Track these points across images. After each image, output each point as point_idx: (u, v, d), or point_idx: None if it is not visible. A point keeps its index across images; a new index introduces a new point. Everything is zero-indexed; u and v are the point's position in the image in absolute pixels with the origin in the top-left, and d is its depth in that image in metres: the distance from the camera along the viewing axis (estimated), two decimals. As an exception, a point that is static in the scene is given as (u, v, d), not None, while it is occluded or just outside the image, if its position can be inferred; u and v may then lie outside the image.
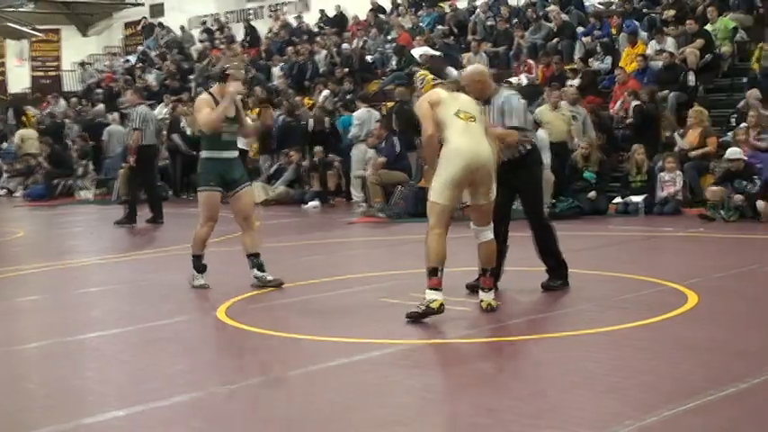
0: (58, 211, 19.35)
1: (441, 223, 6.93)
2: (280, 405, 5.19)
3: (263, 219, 15.23)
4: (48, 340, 7.09)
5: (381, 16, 25.38)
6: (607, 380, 5.34)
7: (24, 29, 32.67)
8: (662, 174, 13.89)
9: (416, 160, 15.33)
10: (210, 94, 8.73)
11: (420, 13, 24.32)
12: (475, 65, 8.33)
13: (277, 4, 30.02)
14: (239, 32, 29.32)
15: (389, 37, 23.67)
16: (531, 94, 15.27)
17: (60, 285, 9.98)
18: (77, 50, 34.44)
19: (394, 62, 21.76)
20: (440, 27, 22.83)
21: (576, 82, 17.21)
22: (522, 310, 7.52)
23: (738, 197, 12.49)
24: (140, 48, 31.31)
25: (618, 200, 14.20)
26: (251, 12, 30.93)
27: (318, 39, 25.03)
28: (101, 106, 25.23)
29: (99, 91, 28.27)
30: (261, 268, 8.69)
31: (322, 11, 27.32)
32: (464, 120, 7.13)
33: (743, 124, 13.94)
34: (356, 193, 16.79)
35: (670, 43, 16.98)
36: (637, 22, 18.25)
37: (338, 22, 26.40)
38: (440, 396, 5.44)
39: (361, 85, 21.73)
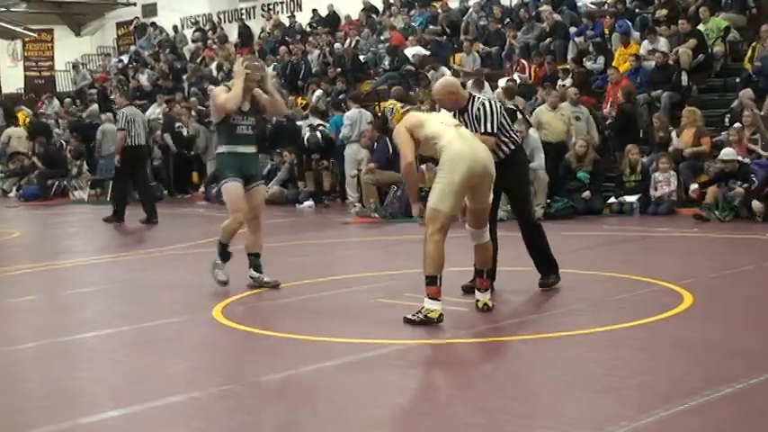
0: (52, 212, 19.32)
1: (441, 230, 6.86)
2: (275, 405, 5.19)
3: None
4: (43, 340, 7.09)
5: (374, 16, 25.37)
6: (602, 380, 5.35)
7: (17, 29, 32.59)
8: (656, 174, 13.91)
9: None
10: (227, 86, 8.68)
11: (412, 12, 24.31)
12: (444, 77, 8.34)
13: (270, 4, 29.99)
14: (232, 32, 29.29)
15: (382, 37, 23.66)
16: (514, 93, 15.27)
17: (56, 286, 9.97)
18: (71, 50, 34.39)
19: (387, 62, 21.74)
20: (432, 27, 22.85)
21: (568, 82, 17.22)
22: (517, 310, 7.53)
23: (739, 191, 12.51)
24: (133, 48, 31.27)
25: (612, 200, 14.20)
26: (243, 11, 30.89)
27: (311, 39, 25.01)
28: (94, 106, 25.19)
29: (92, 91, 28.24)
30: (258, 269, 8.67)
31: (314, 10, 27.30)
32: (454, 127, 7.15)
33: (737, 124, 13.96)
34: (351, 193, 16.79)
35: (663, 43, 16.99)
36: (629, 23, 18.27)
37: (331, 21, 26.39)
38: (435, 396, 5.45)
39: (353, 84, 21.72)
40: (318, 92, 21.08)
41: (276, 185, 18.00)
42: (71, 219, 17.81)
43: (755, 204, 12.30)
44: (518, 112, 13.92)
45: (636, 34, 18.00)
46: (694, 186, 13.30)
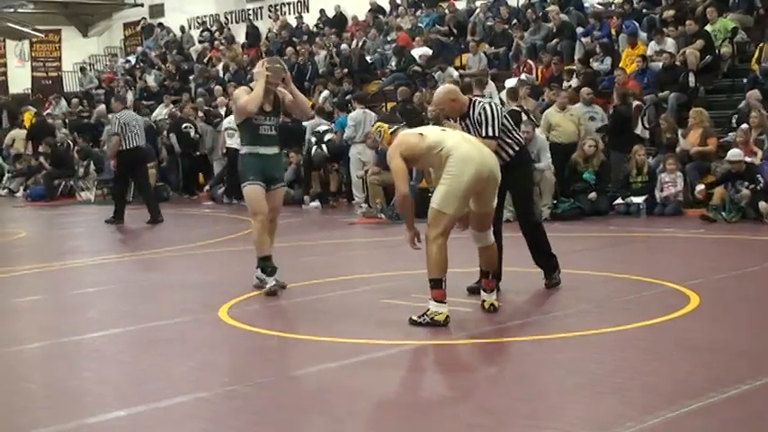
0: (59, 212, 19.36)
1: (445, 234, 6.83)
2: (281, 406, 5.19)
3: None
4: (48, 340, 7.10)
5: (381, 17, 25.37)
6: (608, 381, 5.34)
7: (25, 29, 32.66)
8: (662, 175, 13.88)
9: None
10: (249, 87, 8.66)
11: (419, 13, 24.31)
12: (444, 86, 8.32)
13: (277, 5, 30.00)
14: (239, 33, 29.31)
15: (389, 37, 23.65)
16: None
17: (62, 286, 9.99)
18: (78, 51, 34.44)
19: (393, 63, 21.74)
20: (439, 27, 22.85)
21: (574, 83, 17.20)
22: (522, 311, 7.52)
23: (746, 192, 12.48)
24: (140, 49, 31.31)
25: (619, 201, 14.17)
26: (251, 12, 30.91)
27: (318, 39, 25.01)
28: (101, 107, 25.23)
29: (100, 91, 28.29)
30: (266, 271, 8.54)
31: (322, 11, 27.31)
32: (458, 131, 7.12)
33: (743, 125, 13.92)
34: (358, 194, 16.78)
35: (670, 44, 16.96)
36: (636, 23, 18.23)
37: (337, 22, 26.39)
38: (440, 397, 5.44)
39: (360, 85, 21.72)
40: (325, 92, 21.09)
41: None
42: (77, 219, 17.84)
43: (762, 205, 12.27)
44: (523, 113, 13.95)
45: (643, 35, 17.96)
46: (701, 187, 13.28)
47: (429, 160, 7.02)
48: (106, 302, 8.81)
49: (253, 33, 28.44)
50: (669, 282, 8.24)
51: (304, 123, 18.94)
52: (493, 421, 4.77)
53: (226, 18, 31.19)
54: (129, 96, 25.92)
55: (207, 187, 20.38)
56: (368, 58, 22.96)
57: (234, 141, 18.82)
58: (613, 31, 18.80)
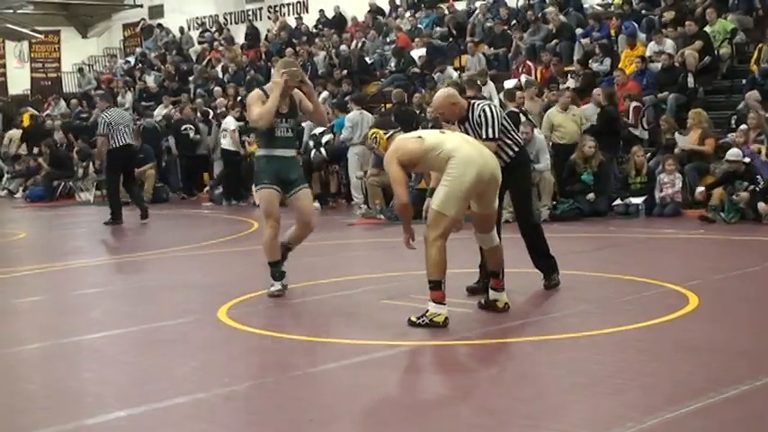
0: (58, 213, 19.35)
1: (445, 235, 6.82)
2: (281, 407, 5.19)
3: (261, 221, 15.25)
4: (48, 341, 7.10)
5: (380, 18, 25.37)
6: (608, 381, 5.35)
7: (24, 30, 32.64)
8: (661, 175, 13.88)
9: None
10: (263, 90, 8.46)
11: (419, 14, 24.31)
12: (442, 90, 8.29)
13: (276, 6, 30.00)
14: (238, 34, 29.31)
15: (388, 38, 23.66)
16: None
17: (62, 286, 9.99)
18: (77, 52, 34.43)
19: (393, 64, 21.74)
20: (439, 29, 22.86)
21: (571, 83, 17.20)
22: (522, 311, 7.52)
23: (744, 194, 12.48)
24: (139, 50, 31.30)
25: (618, 202, 14.16)
26: (250, 13, 30.91)
27: (317, 40, 25.02)
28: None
29: (100, 92, 28.22)
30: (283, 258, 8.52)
31: (321, 11, 27.31)
32: (458, 133, 7.12)
33: (742, 126, 13.93)
34: (357, 195, 16.78)
35: (669, 45, 16.97)
36: (635, 24, 18.24)
37: (337, 23, 26.39)
38: (440, 397, 5.45)
39: (359, 86, 21.72)
40: (324, 93, 21.08)
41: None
42: (77, 220, 17.84)
43: (761, 206, 12.28)
44: (521, 114, 13.95)
45: (642, 36, 17.98)
46: (700, 189, 13.27)
47: (429, 163, 6.99)
48: (106, 303, 8.81)
49: (252, 34, 28.43)
50: (668, 282, 8.24)
51: (302, 125, 18.96)
52: (493, 422, 4.78)
53: (225, 19, 31.17)
54: (129, 97, 25.96)
55: (207, 188, 20.39)
56: (367, 59, 22.96)
57: (227, 142, 18.86)
58: (612, 32, 18.82)
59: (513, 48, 20.02)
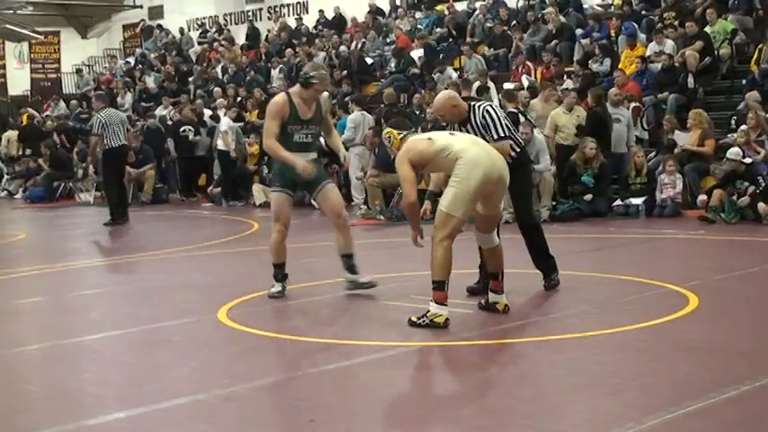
0: (58, 214, 19.35)
1: (452, 236, 6.82)
2: (281, 407, 5.19)
3: (261, 221, 15.26)
4: (48, 342, 7.10)
5: (380, 18, 25.37)
6: (608, 382, 5.35)
7: (24, 31, 32.64)
8: (662, 176, 13.87)
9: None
10: (288, 94, 8.28)
11: (418, 15, 24.31)
12: (443, 92, 8.30)
13: (276, 6, 29.99)
14: (238, 34, 29.30)
15: (388, 39, 23.67)
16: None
17: (61, 287, 9.98)
18: (77, 53, 34.44)
19: (393, 64, 21.74)
20: (438, 29, 22.85)
21: (569, 84, 17.18)
22: (522, 312, 7.51)
23: (745, 199, 12.47)
24: (139, 50, 31.29)
25: (618, 202, 14.15)
26: (250, 13, 30.91)
27: (317, 41, 25.02)
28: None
29: (97, 93, 28.21)
30: (352, 270, 8.34)
31: (321, 11, 27.31)
32: (467, 134, 7.14)
33: (743, 126, 13.92)
34: (357, 195, 16.77)
35: (669, 45, 16.97)
36: (635, 25, 18.24)
37: (337, 24, 26.39)
38: (441, 398, 5.44)
39: (359, 87, 21.72)
40: (325, 94, 21.03)
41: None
42: (77, 221, 17.84)
43: (761, 206, 12.28)
44: (520, 115, 13.94)
45: (642, 36, 17.97)
46: (702, 197, 13.16)
47: (438, 164, 7.02)
48: (106, 304, 8.80)
49: (253, 35, 28.44)
50: (668, 283, 8.24)
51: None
52: (493, 422, 4.78)
53: (225, 19, 31.17)
54: (129, 98, 25.95)
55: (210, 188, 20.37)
56: (367, 59, 22.96)
57: (222, 143, 18.85)
58: (612, 33, 18.81)
59: (513, 48, 20.01)
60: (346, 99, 19.90)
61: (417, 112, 17.58)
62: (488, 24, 21.76)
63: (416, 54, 21.35)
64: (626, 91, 16.02)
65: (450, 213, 6.79)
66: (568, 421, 4.73)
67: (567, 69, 18.10)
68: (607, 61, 17.88)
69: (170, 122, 21.87)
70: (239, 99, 22.58)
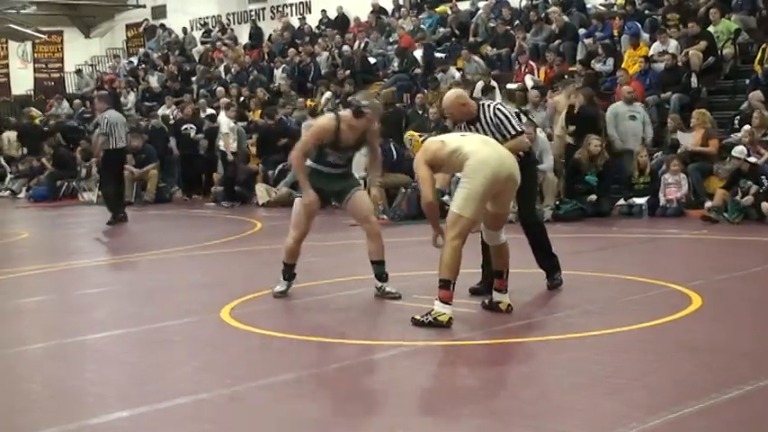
0: (61, 213, 19.36)
1: (462, 236, 6.84)
2: (283, 407, 5.19)
3: (264, 221, 15.28)
4: (51, 341, 7.11)
5: (383, 18, 25.37)
6: (611, 382, 5.35)
7: (27, 31, 32.62)
8: (666, 176, 13.86)
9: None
10: (338, 117, 8.00)
11: (422, 15, 24.30)
12: (452, 90, 8.33)
13: (279, 6, 29.99)
14: (241, 34, 29.31)
15: (391, 39, 23.66)
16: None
17: (64, 286, 9.99)
18: (80, 52, 34.44)
19: (396, 64, 21.73)
20: (441, 29, 22.85)
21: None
22: (525, 311, 7.51)
23: (748, 198, 12.46)
24: (142, 50, 31.30)
25: (621, 202, 14.14)
26: (253, 13, 30.91)
27: (320, 40, 25.02)
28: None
29: (102, 93, 28.20)
30: (380, 277, 8.17)
31: (324, 11, 27.31)
32: (477, 135, 7.17)
33: (746, 126, 13.91)
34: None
35: (672, 45, 16.96)
36: (638, 24, 18.22)
37: (339, 23, 26.38)
38: (444, 398, 5.44)
39: (362, 86, 21.69)
40: (327, 94, 21.08)
41: (285, 187, 18.00)
42: (80, 220, 17.84)
43: (765, 206, 12.26)
44: (522, 114, 13.94)
45: (645, 36, 17.96)
46: (709, 204, 13.11)
47: (452, 165, 7.08)
48: (109, 303, 8.81)
49: (256, 34, 28.44)
50: (671, 283, 8.23)
51: (301, 126, 19.01)
52: (497, 422, 4.78)
53: (228, 19, 31.17)
54: (132, 97, 25.95)
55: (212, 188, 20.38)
56: (370, 59, 22.95)
57: (222, 144, 18.84)
58: (616, 32, 18.79)
59: (516, 48, 20.00)
60: (349, 99, 19.89)
61: (420, 112, 17.55)
62: (491, 24, 21.74)
63: (419, 54, 21.34)
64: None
65: (460, 213, 6.83)
66: (571, 421, 4.73)
67: (570, 69, 18.07)
68: (610, 61, 17.87)
69: (172, 121, 21.87)
70: (242, 99, 22.58)
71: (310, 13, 28.52)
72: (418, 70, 20.72)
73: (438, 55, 21.31)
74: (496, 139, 7.51)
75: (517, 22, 21.30)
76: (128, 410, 5.12)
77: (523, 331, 6.90)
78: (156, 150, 20.46)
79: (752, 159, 12.94)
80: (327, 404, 5.20)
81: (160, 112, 23.05)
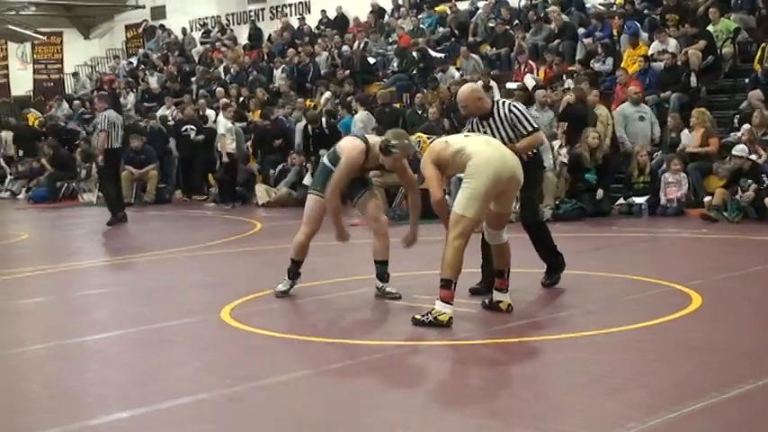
0: (61, 214, 19.35)
1: (464, 236, 6.85)
2: (284, 407, 5.19)
3: (264, 221, 15.28)
4: (51, 342, 7.10)
5: (383, 17, 25.37)
6: (610, 381, 5.35)
7: (27, 32, 32.63)
8: (666, 175, 13.86)
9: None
10: (367, 144, 7.91)
11: (421, 15, 24.30)
12: (467, 84, 8.39)
13: (279, 6, 29.98)
14: (241, 34, 29.30)
15: (390, 39, 23.66)
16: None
17: (65, 287, 9.99)
18: (80, 53, 34.43)
19: (395, 64, 21.73)
20: (441, 29, 22.84)
21: (570, 84, 17.14)
22: (525, 311, 7.51)
23: (748, 194, 12.46)
24: (141, 51, 31.28)
25: (621, 201, 14.14)
26: (252, 13, 30.90)
27: (319, 40, 25.02)
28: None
29: (102, 93, 28.18)
30: (382, 278, 8.17)
31: (323, 11, 27.30)
32: (481, 135, 7.19)
33: (746, 125, 13.91)
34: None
35: (672, 44, 16.96)
36: (638, 24, 18.22)
37: (339, 23, 26.38)
38: (444, 397, 5.44)
39: (362, 86, 21.72)
40: (327, 94, 21.08)
41: (285, 187, 18.02)
42: (80, 221, 17.83)
43: (767, 203, 12.28)
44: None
45: (644, 35, 17.96)
46: (708, 198, 13.15)
47: (456, 165, 7.10)
48: (109, 304, 8.81)
49: (255, 35, 28.43)
50: (671, 282, 8.23)
51: (299, 126, 19.02)
52: (497, 422, 4.78)
53: (227, 19, 31.16)
54: (131, 98, 25.94)
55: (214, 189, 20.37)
56: (369, 59, 22.95)
57: (220, 146, 18.85)
58: (615, 32, 18.79)
59: (516, 47, 19.99)
60: (349, 99, 19.91)
61: (419, 112, 17.54)
62: (491, 24, 21.74)
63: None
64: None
65: (462, 214, 6.85)
66: (571, 421, 4.73)
67: (569, 69, 18.07)
68: (609, 60, 17.87)
69: (171, 122, 21.86)
70: (242, 99, 22.58)
71: (310, 13, 28.51)
72: (421, 65, 20.64)
73: (437, 55, 21.31)
74: (510, 137, 7.62)
75: (516, 21, 21.31)
76: (128, 411, 5.12)
77: (524, 331, 6.90)
78: (155, 151, 20.44)
79: (753, 157, 12.94)
80: (327, 404, 5.20)
81: (159, 112, 23.03)
